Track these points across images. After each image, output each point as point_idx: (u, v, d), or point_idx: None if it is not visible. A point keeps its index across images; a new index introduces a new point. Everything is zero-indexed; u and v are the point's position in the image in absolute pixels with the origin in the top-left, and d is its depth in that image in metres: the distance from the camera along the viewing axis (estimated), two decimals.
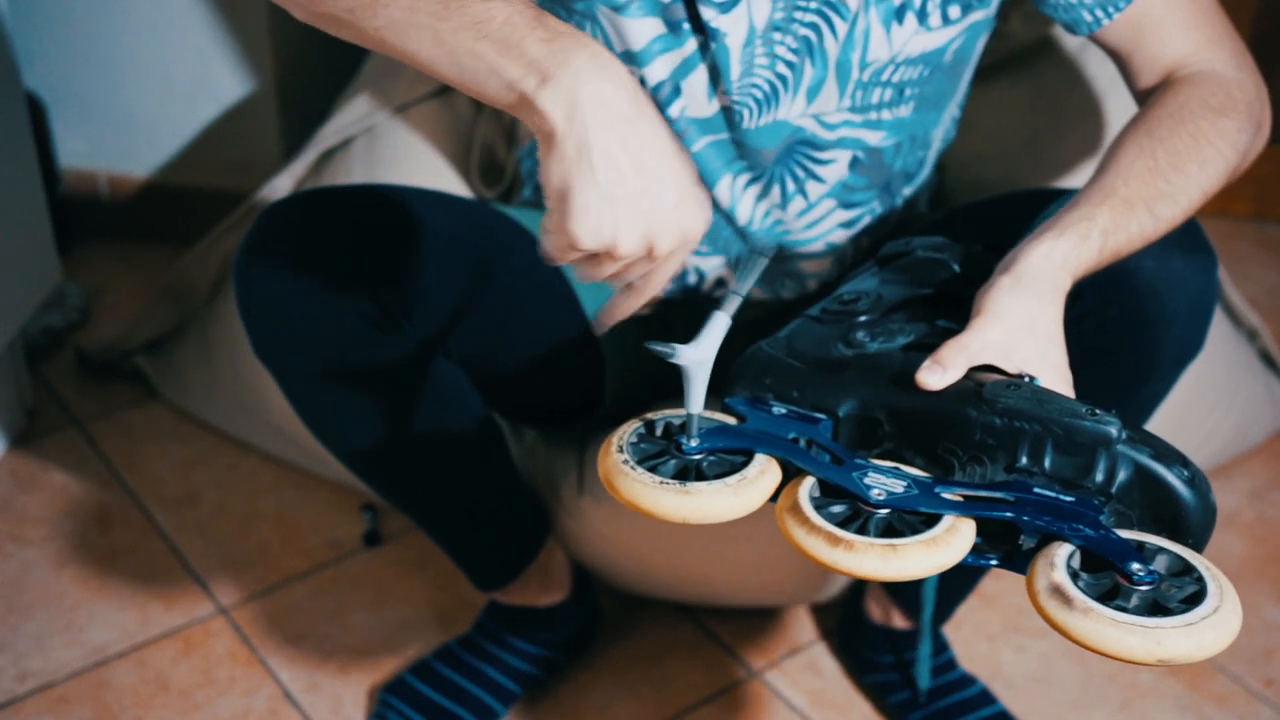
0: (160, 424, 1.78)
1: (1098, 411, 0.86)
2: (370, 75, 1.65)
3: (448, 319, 1.15)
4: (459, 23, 0.88)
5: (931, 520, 0.84)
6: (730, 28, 1.11)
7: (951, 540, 0.83)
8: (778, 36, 1.12)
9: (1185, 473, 0.85)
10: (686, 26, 1.11)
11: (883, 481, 0.87)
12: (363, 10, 0.91)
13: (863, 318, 0.99)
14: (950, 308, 0.99)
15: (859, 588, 1.48)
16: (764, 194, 1.22)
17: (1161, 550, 0.83)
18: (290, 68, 1.97)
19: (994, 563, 0.87)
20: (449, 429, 1.23)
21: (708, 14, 1.10)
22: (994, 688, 1.44)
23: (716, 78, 1.14)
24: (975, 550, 0.86)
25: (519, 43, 0.86)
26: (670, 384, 1.44)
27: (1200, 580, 0.80)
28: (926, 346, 0.92)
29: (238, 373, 1.66)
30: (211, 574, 1.56)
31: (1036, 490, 0.86)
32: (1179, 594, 0.80)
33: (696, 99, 1.15)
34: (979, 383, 0.89)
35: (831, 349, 0.95)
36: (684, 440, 0.91)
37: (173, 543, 1.60)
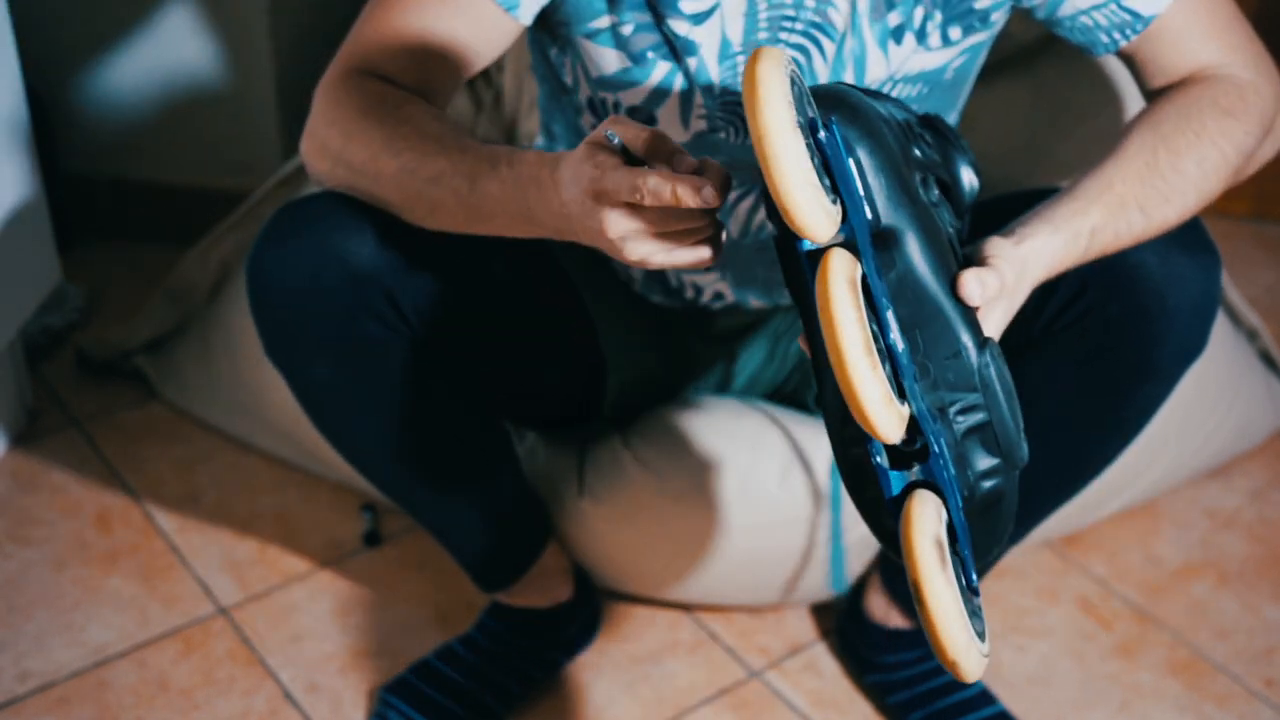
0: (160, 424, 1.78)
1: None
2: None
3: (456, 321, 1.15)
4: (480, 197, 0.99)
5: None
6: (703, 39, 1.11)
7: (901, 419, 0.86)
8: None
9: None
10: (651, 55, 1.12)
11: (898, 337, 0.88)
12: (431, 222, 1.05)
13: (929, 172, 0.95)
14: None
15: (859, 587, 1.48)
16: (756, 206, 1.22)
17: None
18: (290, 68, 1.97)
19: (880, 460, 0.90)
20: (456, 430, 1.23)
21: (681, 27, 1.10)
22: (994, 688, 1.44)
23: (692, 100, 1.14)
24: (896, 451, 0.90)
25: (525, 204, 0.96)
26: (671, 385, 1.45)
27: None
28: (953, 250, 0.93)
29: (238, 373, 1.66)
30: (211, 574, 1.56)
31: (940, 462, 0.89)
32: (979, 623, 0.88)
33: (672, 127, 1.16)
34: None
35: (908, 171, 0.92)
36: (817, 120, 0.86)
37: (173, 543, 1.60)
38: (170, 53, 1.95)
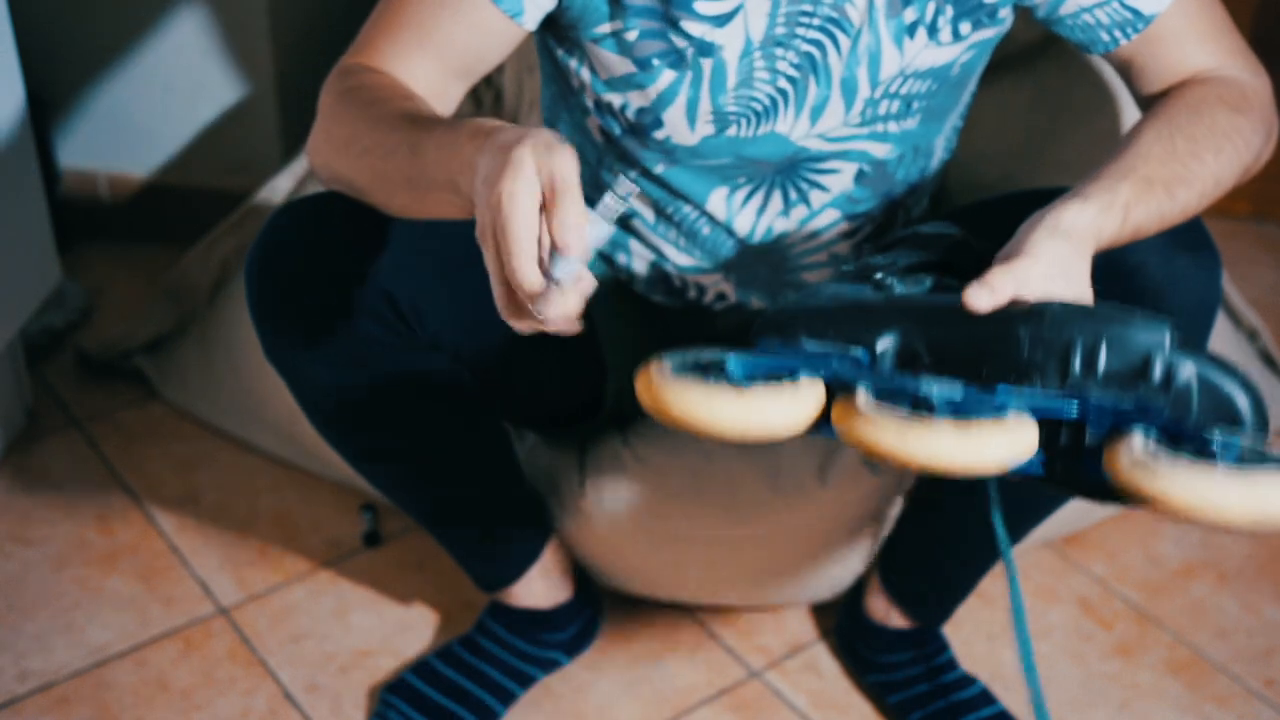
0: (160, 424, 1.78)
1: (1149, 314, 0.85)
2: None
3: (456, 322, 1.15)
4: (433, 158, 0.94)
5: None
6: (726, 40, 1.10)
7: (1022, 428, 0.81)
8: (779, 51, 1.12)
9: (1239, 376, 0.84)
10: (656, 63, 1.11)
11: (939, 387, 0.84)
12: (414, 208, 1.00)
13: (882, 273, 0.97)
14: (964, 275, 0.98)
15: (859, 587, 1.48)
16: (765, 205, 1.21)
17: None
18: (290, 68, 1.97)
19: (1055, 469, 0.85)
20: (456, 431, 1.23)
21: (700, 29, 1.09)
22: (994, 688, 1.44)
23: (694, 111, 1.14)
24: (1040, 459, 0.84)
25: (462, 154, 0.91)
26: None
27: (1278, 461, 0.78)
28: (953, 289, 0.91)
29: (238, 373, 1.66)
30: (211, 574, 1.56)
31: (1094, 399, 0.84)
32: (1262, 459, 0.78)
33: (679, 130, 1.16)
34: (1020, 304, 0.88)
35: (860, 293, 0.93)
36: (725, 358, 0.87)
37: (173, 543, 1.60)
38: (170, 53, 1.95)
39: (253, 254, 1.10)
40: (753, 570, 1.44)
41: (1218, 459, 0.77)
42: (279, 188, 1.70)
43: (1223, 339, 1.62)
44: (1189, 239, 1.08)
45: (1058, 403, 0.82)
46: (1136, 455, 0.78)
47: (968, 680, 1.42)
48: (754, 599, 1.50)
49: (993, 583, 1.57)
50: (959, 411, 0.82)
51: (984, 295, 0.89)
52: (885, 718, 1.43)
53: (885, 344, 0.90)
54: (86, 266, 2.04)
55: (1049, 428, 0.84)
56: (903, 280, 0.94)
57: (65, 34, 1.96)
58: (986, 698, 1.41)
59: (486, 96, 1.65)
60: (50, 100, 2.01)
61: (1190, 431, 0.79)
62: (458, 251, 1.15)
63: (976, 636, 1.52)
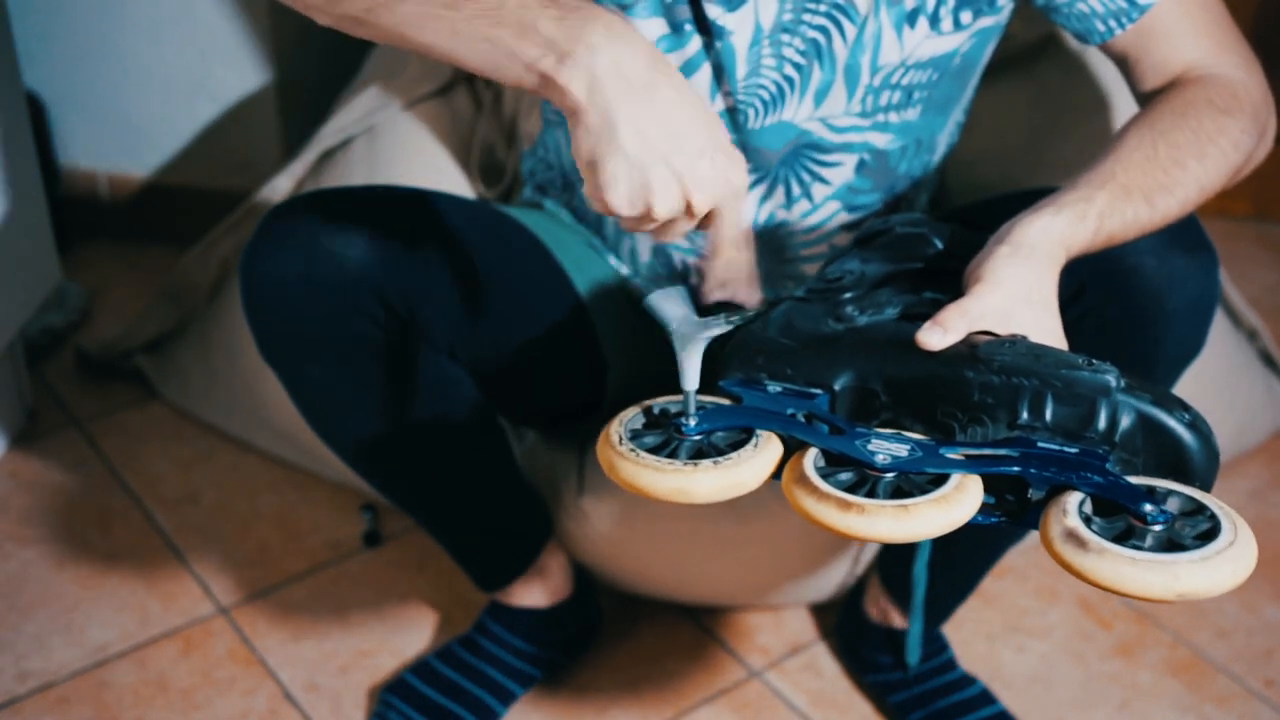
0: (160, 424, 1.78)
1: (1094, 362, 0.87)
2: (371, 74, 1.65)
3: (453, 320, 1.15)
4: (472, 11, 0.90)
5: (939, 481, 0.85)
6: (736, 26, 1.11)
7: (961, 497, 0.84)
8: (786, 38, 1.12)
9: (1186, 416, 0.86)
10: (689, 27, 1.12)
11: (886, 446, 0.87)
12: (380, 9, 0.93)
13: (849, 294, 0.99)
14: (935, 281, 1.00)
15: (859, 587, 1.48)
16: (768, 195, 1.22)
17: (1172, 492, 0.84)
18: (290, 68, 1.97)
19: (1003, 520, 0.88)
20: (453, 430, 1.23)
21: (713, 11, 1.10)
22: (994, 688, 1.44)
23: (720, 78, 1.14)
24: (984, 510, 0.87)
25: (533, 24, 0.89)
26: (671, 385, 1.44)
27: (1213, 518, 0.81)
28: (916, 317, 0.93)
29: (238, 373, 1.67)
30: (211, 574, 1.56)
31: (1040, 444, 0.86)
32: (1193, 531, 0.81)
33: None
34: (973, 344, 0.89)
35: (821, 325, 0.95)
36: (683, 422, 0.91)
37: (173, 543, 1.60)
38: (170, 53, 1.95)
39: (246, 253, 1.11)
40: (753, 570, 1.44)
41: (1148, 525, 0.80)
42: (279, 188, 1.70)
43: (1223, 339, 1.62)
44: (1187, 240, 1.08)
45: (1002, 466, 0.86)
46: (1067, 526, 0.81)
47: (968, 680, 1.42)
48: (754, 599, 1.50)
49: (993, 583, 1.57)
50: (906, 466, 0.86)
51: (936, 335, 0.90)
52: (885, 718, 1.43)
53: (843, 382, 0.93)
54: (86, 266, 2.04)
55: (996, 481, 0.87)
56: (865, 310, 0.96)
57: (65, 33, 1.96)
58: (986, 698, 1.41)
59: (486, 96, 1.65)
60: (50, 100, 2.01)
61: (1124, 498, 0.82)
62: (452, 248, 1.15)
63: (976, 636, 1.52)
